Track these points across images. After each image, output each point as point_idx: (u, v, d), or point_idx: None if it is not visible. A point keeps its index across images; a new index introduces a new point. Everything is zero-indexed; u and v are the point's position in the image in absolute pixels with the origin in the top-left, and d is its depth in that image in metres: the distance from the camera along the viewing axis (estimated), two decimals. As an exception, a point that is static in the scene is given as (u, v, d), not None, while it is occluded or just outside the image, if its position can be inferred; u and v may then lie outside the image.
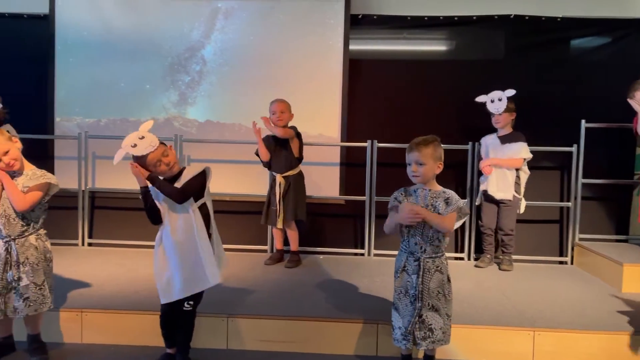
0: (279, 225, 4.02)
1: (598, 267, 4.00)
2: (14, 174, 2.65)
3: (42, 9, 4.85)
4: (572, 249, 4.42)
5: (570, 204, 4.44)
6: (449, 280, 2.52)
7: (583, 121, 4.36)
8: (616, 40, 4.58)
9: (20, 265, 2.64)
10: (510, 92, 4.00)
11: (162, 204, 2.58)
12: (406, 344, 2.49)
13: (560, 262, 4.50)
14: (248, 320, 3.01)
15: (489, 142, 4.24)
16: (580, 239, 4.39)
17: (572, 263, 4.42)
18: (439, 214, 2.43)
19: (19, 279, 2.64)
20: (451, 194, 2.49)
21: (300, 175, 4.11)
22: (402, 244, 2.55)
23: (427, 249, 2.47)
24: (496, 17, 4.64)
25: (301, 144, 4.13)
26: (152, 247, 2.64)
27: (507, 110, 4.04)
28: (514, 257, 4.27)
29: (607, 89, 4.35)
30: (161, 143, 2.57)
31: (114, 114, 4.89)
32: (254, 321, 3.01)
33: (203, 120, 4.84)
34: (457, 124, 4.60)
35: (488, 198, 4.17)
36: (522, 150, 4.04)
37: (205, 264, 2.56)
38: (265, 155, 4.03)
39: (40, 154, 4.72)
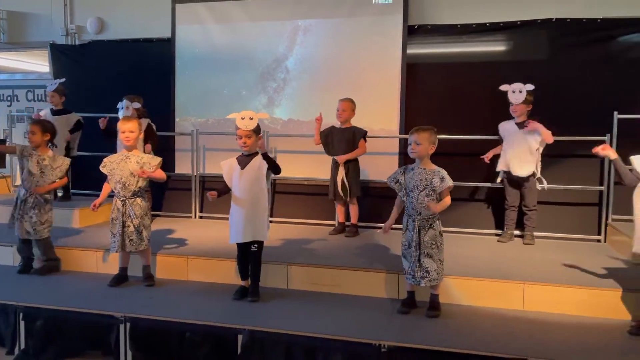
0: (343, 200, 4.97)
1: (626, 244, 4.44)
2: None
3: (166, 34, 6.24)
4: (605, 228, 4.87)
5: (603, 188, 4.89)
6: (440, 234, 3.36)
7: (615, 113, 4.79)
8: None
9: (130, 217, 3.89)
10: (530, 86, 4.54)
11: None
12: (411, 280, 3.38)
13: (598, 241, 4.96)
14: (303, 268, 4.00)
15: (507, 127, 4.76)
16: (614, 220, 4.83)
17: (605, 241, 4.88)
18: (434, 188, 3.25)
19: (128, 226, 3.90)
20: (444, 172, 3.29)
21: (357, 161, 5.01)
22: (406, 209, 3.41)
23: (421, 211, 3.31)
24: (539, 21, 5.19)
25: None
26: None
27: (524, 102, 4.57)
28: (552, 234, 4.89)
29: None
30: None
31: (218, 115, 6.15)
32: (307, 269, 4.00)
33: (286, 118, 5.92)
34: (504, 118, 5.18)
35: (510, 177, 4.74)
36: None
37: (264, 221, 3.65)
38: (316, 141, 5.03)
39: (165, 147, 6.10)
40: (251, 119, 3.61)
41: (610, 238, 4.82)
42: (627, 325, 3.24)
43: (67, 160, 4.37)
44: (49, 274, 4.32)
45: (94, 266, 4.44)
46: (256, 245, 3.70)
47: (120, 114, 5.22)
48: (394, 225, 3.93)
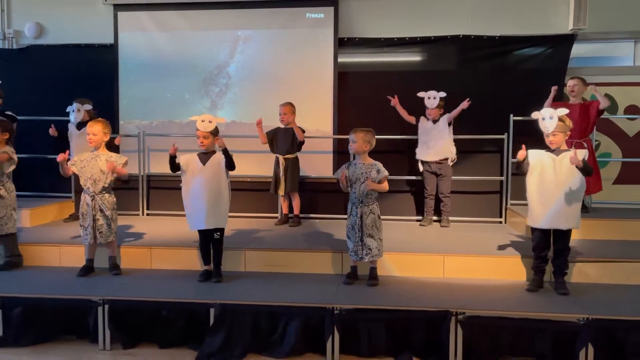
0: (281, 192, 5.57)
1: (521, 224, 5.39)
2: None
3: (109, 40, 6.52)
4: (505, 212, 5.85)
5: (503, 178, 5.87)
6: (379, 217, 4.04)
7: (511, 115, 5.77)
8: (540, 52, 5.98)
9: (99, 211, 4.27)
10: (442, 94, 5.47)
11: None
12: (355, 257, 4.04)
13: (500, 222, 5.93)
14: (258, 252, 4.57)
15: (424, 125, 5.65)
16: (512, 204, 5.80)
17: (505, 222, 5.85)
18: (372, 180, 3.93)
19: (98, 219, 4.27)
20: (380, 165, 3.99)
21: (296, 158, 5.64)
22: (350, 198, 4.07)
23: (363, 200, 3.98)
24: (449, 37, 6.08)
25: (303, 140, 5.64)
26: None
27: (438, 106, 5.51)
28: (464, 218, 5.79)
29: (531, 90, 5.70)
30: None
31: (162, 117, 6.53)
32: (261, 252, 4.56)
33: (229, 120, 6.42)
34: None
35: (429, 169, 5.62)
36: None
37: (226, 211, 4.19)
38: (262, 141, 5.59)
39: (109, 148, 6.36)
40: (210, 122, 4.15)
41: (510, 220, 5.80)
42: (524, 284, 4.10)
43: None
44: (14, 269, 4.55)
45: (57, 260, 4.71)
46: (219, 232, 4.21)
47: (72, 117, 5.49)
48: (335, 215, 4.59)
